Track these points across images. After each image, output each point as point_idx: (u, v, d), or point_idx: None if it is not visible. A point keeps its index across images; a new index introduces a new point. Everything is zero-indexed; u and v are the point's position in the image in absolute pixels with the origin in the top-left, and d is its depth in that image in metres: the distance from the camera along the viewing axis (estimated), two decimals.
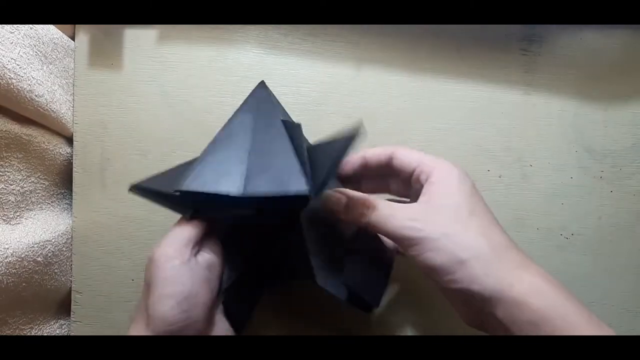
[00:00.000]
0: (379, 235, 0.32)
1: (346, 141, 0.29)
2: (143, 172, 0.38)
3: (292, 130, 0.30)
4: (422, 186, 0.29)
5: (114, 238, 0.38)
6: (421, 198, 0.29)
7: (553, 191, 0.39)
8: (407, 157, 0.30)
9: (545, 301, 0.25)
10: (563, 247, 0.39)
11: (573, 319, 0.25)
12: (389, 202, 0.29)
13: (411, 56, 0.39)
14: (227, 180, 0.28)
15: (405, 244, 0.27)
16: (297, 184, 0.27)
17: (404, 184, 0.32)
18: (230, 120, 0.32)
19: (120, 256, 0.38)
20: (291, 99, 0.38)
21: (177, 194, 0.28)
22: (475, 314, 0.27)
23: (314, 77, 0.39)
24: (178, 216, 0.38)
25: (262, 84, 0.34)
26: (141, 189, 0.31)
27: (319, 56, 0.39)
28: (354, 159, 0.32)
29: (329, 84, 0.39)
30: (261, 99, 0.33)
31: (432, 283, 0.28)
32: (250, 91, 0.33)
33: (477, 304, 0.26)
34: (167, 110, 0.38)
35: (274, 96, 0.34)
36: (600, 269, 0.39)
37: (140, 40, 0.38)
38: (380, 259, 0.33)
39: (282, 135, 0.30)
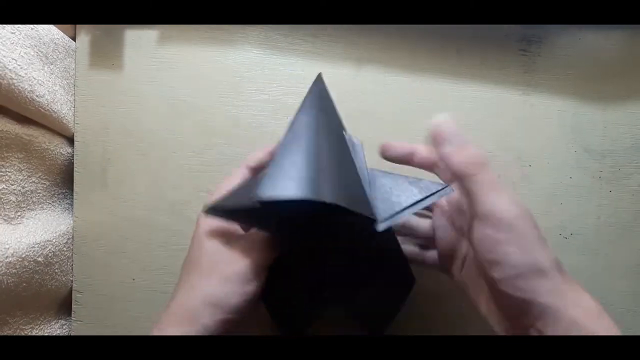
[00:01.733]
0: (401, 256, 0.32)
1: (431, 197, 0.29)
2: (144, 172, 0.38)
3: (355, 149, 0.30)
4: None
5: (115, 238, 0.38)
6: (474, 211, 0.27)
7: (552, 191, 0.39)
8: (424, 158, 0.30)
9: (595, 327, 0.25)
10: (562, 246, 0.39)
11: None
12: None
13: (411, 56, 0.39)
14: (299, 185, 0.26)
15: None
16: (366, 208, 0.27)
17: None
18: (294, 121, 0.29)
19: (121, 256, 0.38)
20: (291, 99, 0.38)
21: (258, 205, 0.26)
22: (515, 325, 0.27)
23: (314, 78, 0.39)
24: (177, 218, 0.39)
25: (319, 79, 0.32)
26: (217, 210, 0.29)
27: (319, 56, 0.39)
28: (400, 149, 0.31)
29: (329, 85, 0.39)
30: (321, 96, 0.31)
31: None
32: (309, 87, 0.31)
33: (526, 315, 0.26)
34: (167, 111, 0.38)
35: (328, 93, 0.32)
36: (599, 269, 0.39)
37: (141, 41, 0.38)
38: (394, 285, 0.33)
39: (344, 146, 0.30)
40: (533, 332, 0.26)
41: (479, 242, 0.27)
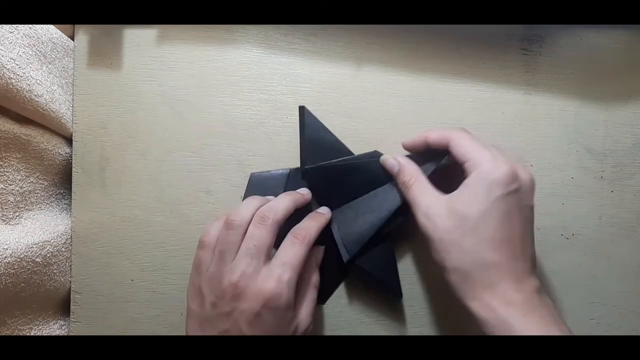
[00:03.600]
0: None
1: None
2: (143, 172, 0.38)
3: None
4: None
5: (114, 238, 0.38)
6: (452, 194, 0.31)
7: (553, 191, 0.39)
8: (462, 148, 0.31)
9: (492, 323, 0.28)
10: (563, 247, 0.39)
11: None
12: (426, 185, 0.32)
13: (411, 56, 0.39)
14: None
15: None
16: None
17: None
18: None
19: (120, 256, 0.38)
20: (291, 99, 0.38)
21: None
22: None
23: (313, 77, 0.39)
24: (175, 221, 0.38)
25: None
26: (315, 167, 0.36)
27: (318, 56, 0.39)
28: (416, 138, 0.35)
29: (328, 84, 0.39)
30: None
31: None
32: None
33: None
34: (166, 110, 0.38)
35: None
36: (601, 269, 0.39)
37: (140, 40, 0.38)
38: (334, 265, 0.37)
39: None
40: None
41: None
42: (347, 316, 0.38)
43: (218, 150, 0.38)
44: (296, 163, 0.38)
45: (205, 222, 0.38)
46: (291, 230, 0.32)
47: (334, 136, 0.38)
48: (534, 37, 0.39)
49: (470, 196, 0.29)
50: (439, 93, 0.39)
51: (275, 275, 0.29)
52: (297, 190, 0.35)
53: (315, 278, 0.34)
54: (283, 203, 0.32)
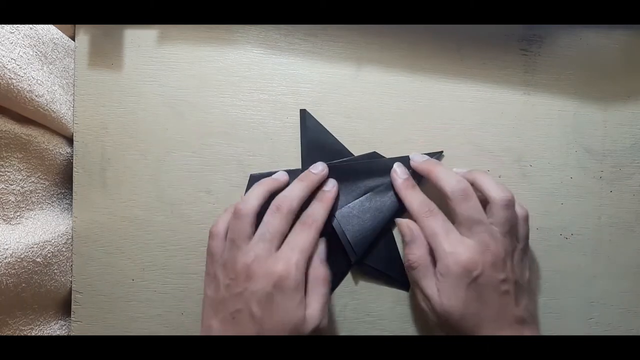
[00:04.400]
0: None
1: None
2: (143, 172, 0.38)
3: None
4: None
5: (114, 238, 0.38)
6: (438, 284, 0.32)
7: (553, 191, 0.39)
8: (426, 231, 0.33)
9: None
10: (563, 247, 0.39)
11: None
12: (427, 269, 0.33)
13: (411, 56, 0.39)
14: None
15: None
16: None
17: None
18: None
19: (121, 256, 0.38)
20: (291, 99, 0.38)
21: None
22: None
23: (314, 77, 0.39)
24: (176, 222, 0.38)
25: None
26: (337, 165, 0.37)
27: (319, 56, 0.39)
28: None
29: (329, 84, 0.39)
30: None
31: None
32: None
33: None
34: (167, 110, 0.38)
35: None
36: (600, 269, 0.39)
37: (141, 40, 0.38)
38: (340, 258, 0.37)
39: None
40: None
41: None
42: (347, 316, 0.38)
43: (218, 150, 0.38)
44: (296, 163, 0.38)
45: (205, 222, 0.38)
46: (300, 218, 0.34)
47: (335, 139, 0.38)
48: (534, 37, 0.39)
49: (445, 292, 0.31)
50: (439, 93, 0.39)
51: (285, 257, 0.31)
52: (311, 170, 0.36)
53: (321, 271, 0.33)
54: (297, 191, 0.34)
